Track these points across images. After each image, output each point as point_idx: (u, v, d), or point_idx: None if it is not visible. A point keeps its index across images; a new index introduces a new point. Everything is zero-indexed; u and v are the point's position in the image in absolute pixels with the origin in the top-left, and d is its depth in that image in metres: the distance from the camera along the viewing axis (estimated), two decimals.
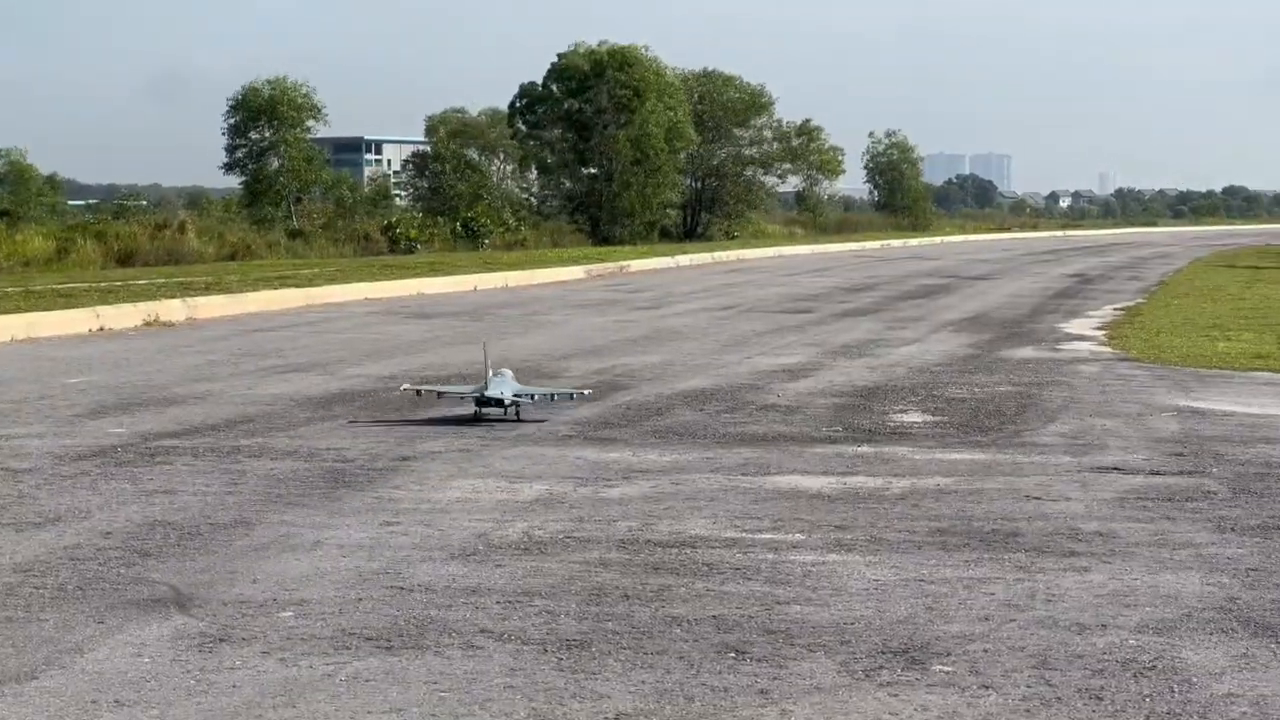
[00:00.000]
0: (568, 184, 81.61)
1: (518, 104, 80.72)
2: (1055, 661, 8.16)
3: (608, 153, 77.97)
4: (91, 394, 18.66)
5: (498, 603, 9.22)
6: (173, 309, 29.86)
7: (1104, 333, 28.16)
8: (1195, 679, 7.94)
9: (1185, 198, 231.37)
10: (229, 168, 74.09)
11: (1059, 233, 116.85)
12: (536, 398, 16.93)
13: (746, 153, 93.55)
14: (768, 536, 11.07)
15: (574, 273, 48.42)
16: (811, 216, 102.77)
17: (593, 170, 79.89)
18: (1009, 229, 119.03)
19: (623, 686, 7.80)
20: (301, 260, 52.91)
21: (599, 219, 78.66)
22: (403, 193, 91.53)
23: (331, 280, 38.84)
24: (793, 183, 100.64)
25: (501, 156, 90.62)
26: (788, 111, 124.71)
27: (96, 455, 14.32)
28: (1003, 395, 18.99)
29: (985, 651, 8.32)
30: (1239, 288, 41.50)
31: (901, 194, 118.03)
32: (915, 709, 7.51)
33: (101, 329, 27.36)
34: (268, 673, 7.98)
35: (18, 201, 75.96)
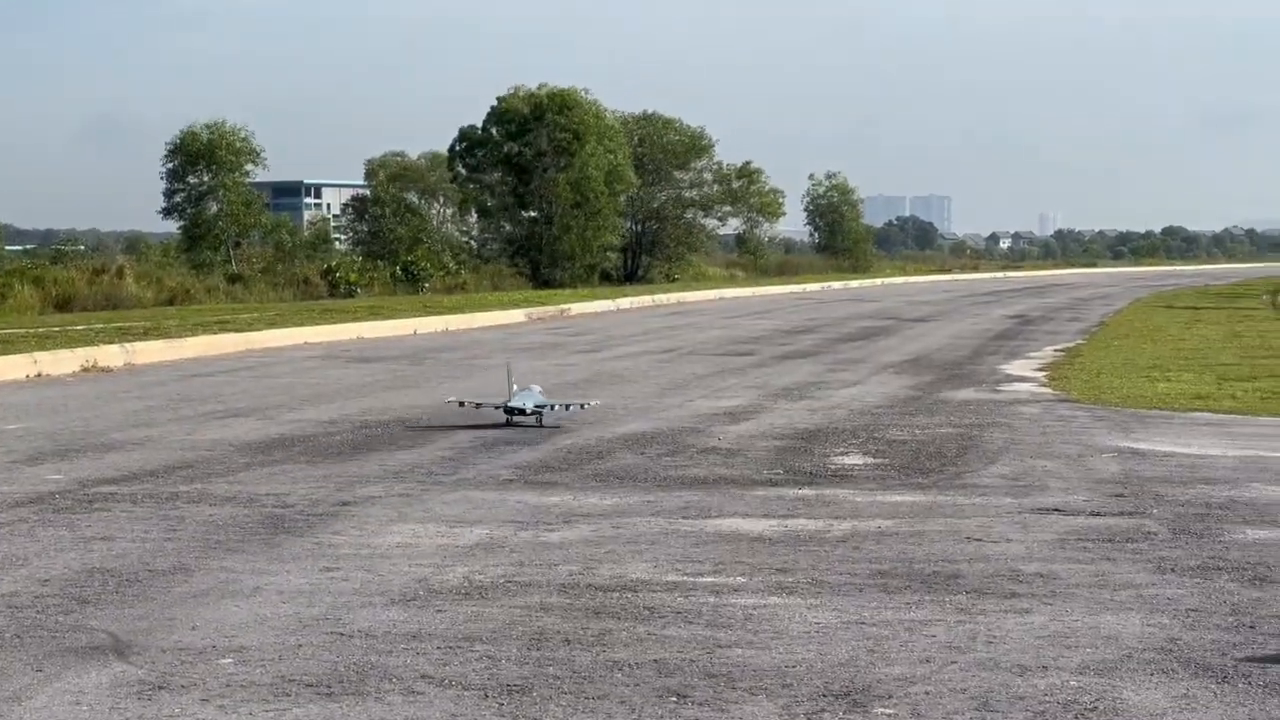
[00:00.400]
0: (508, 227, 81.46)
1: (457, 147, 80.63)
2: (997, 703, 8.17)
3: (548, 196, 77.94)
4: (29, 440, 18.54)
5: (438, 648, 9.19)
6: (111, 354, 29.71)
7: (1044, 374, 28.30)
8: None
9: (1125, 238, 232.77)
10: (167, 212, 73.68)
11: (999, 274, 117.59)
12: (556, 407, 20.26)
13: (687, 195, 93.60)
14: (709, 580, 11.06)
15: (515, 316, 48.40)
16: (752, 259, 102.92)
17: (533, 213, 79.79)
18: (950, 270, 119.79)
19: None
20: (241, 305, 52.76)
21: (539, 262, 78.59)
22: (342, 236, 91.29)
23: (271, 325, 38.71)
24: (733, 225, 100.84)
25: (441, 200, 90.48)
26: (728, 153, 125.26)
27: (34, 502, 14.22)
28: (944, 437, 19.05)
29: (927, 694, 8.32)
30: (1179, 329, 41.76)
31: (842, 236, 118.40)
32: None
33: (39, 375, 27.19)
34: None
35: None
